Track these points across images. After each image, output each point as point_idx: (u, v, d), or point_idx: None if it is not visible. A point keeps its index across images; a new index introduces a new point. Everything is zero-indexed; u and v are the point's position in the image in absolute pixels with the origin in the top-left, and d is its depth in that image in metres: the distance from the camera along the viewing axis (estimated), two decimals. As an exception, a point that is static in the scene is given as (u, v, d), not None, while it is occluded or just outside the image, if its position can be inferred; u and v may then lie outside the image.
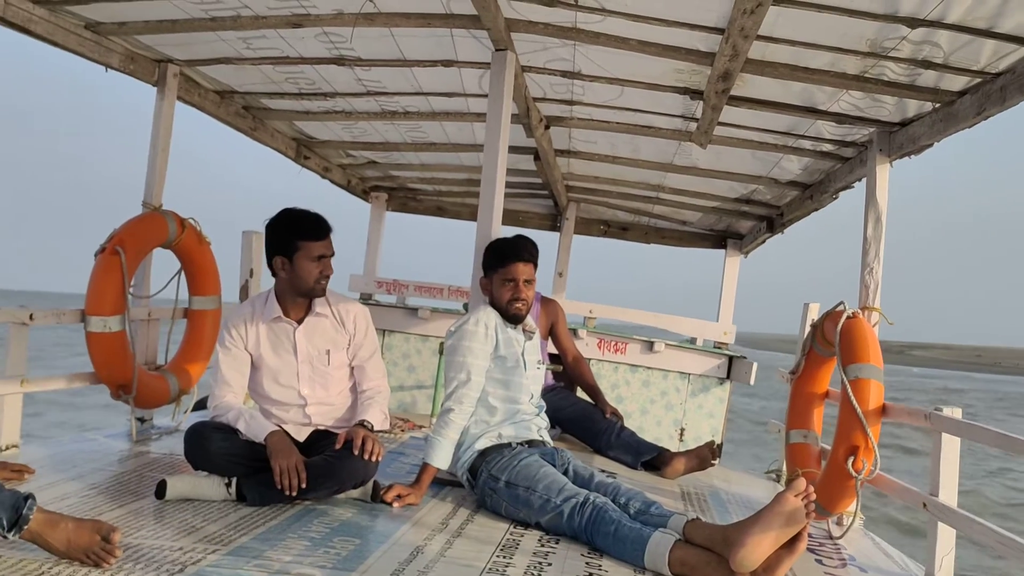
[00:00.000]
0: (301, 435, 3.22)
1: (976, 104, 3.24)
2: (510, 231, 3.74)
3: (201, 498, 2.93)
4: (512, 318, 3.43)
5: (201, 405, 4.66)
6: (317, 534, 2.65)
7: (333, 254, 3.23)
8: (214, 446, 2.97)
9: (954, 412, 3.22)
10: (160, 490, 2.89)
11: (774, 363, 4.89)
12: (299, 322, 3.24)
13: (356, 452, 2.98)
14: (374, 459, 3.01)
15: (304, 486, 2.88)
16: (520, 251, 3.46)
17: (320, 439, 3.20)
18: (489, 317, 3.38)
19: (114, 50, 4.00)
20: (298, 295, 3.22)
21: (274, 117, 5.15)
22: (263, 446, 2.96)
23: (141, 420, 4.17)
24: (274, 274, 3.21)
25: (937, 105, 3.53)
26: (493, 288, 3.46)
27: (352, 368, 3.35)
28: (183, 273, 4.36)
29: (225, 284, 4.50)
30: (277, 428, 3.05)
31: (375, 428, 3.18)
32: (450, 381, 3.33)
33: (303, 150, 5.81)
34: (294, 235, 3.14)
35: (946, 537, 3.15)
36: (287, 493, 2.87)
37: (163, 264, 4.29)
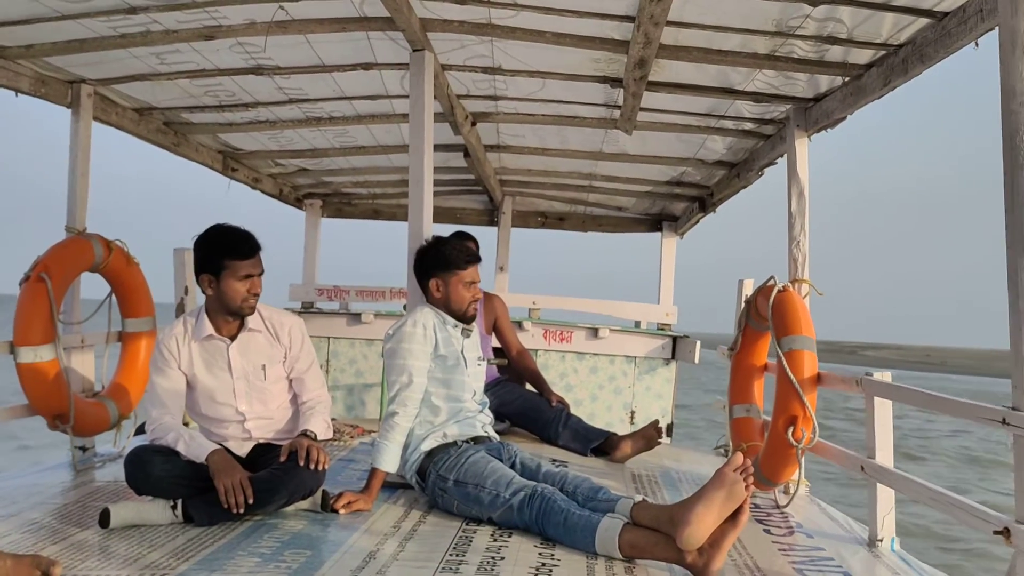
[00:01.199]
0: (243, 450, 3.20)
1: (882, 76, 3.34)
2: (445, 229, 3.76)
3: (147, 523, 2.88)
4: (468, 319, 3.46)
5: (143, 429, 4.58)
6: (268, 549, 2.64)
7: (262, 272, 3.18)
8: (156, 469, 2.93)
9: (884, 376, 3.32)
10: (103, 519, 2.84)
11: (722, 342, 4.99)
12: (232, 339, 3.21)
13: (301, 463, 2.97)
14: (320, 468, 3.00)
15: (251, 502, 2.86)
16: (476, 254, 3.52)
17: (264, 453, 3.18)
18: (427, 317, 3.39)
19: (23, 74, 3.90)
20: (228, 314, 3.18)
21: (197, 131, 5.08)
22: (206, 466, 2.93)
23: (82, 449, 4.08)
24: (204, 291, 3.18)
25: (847, 79, 3.63)
26: (449, 290, 3.45)
27: (291, 380, 3.33)
28: (114, 296, 4.28)
29: (164, 302, 4.43)
30: (217, 447, 3.02)
31: (318, 437, 3.17)
32: (392, 384, 3.33)
33: (230, 162, 5.73)
34: (220, 254, 3.10)
35: (885, 497, 3.25)
36: (234, 511, 2.84)
37: (93, 288, 4.21)
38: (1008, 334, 2.39)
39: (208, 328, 3.18)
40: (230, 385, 3.20)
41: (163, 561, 2.49)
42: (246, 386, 3.21)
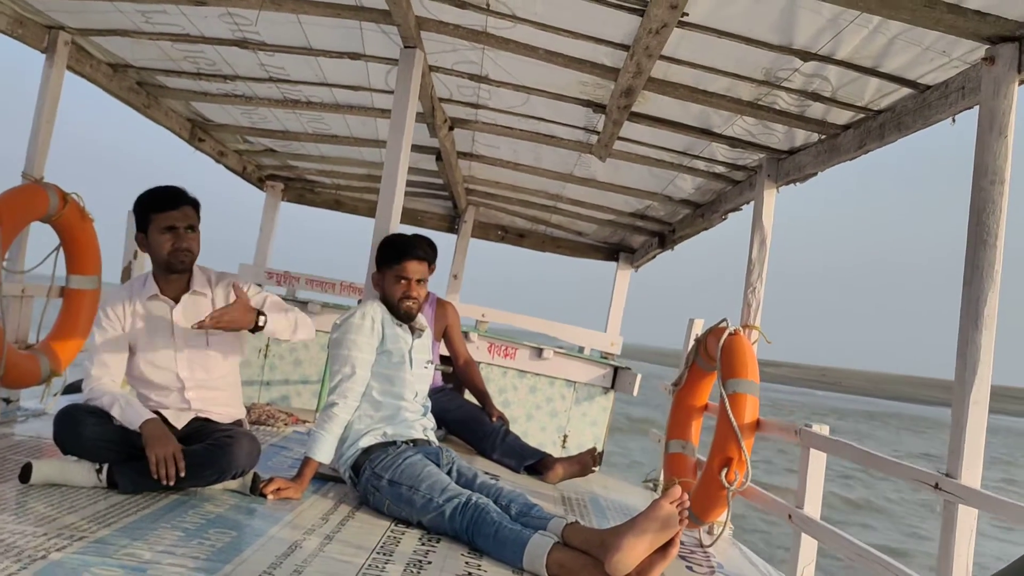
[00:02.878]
0: (180, 421, 3.12)
1: (858, 138, 3.43)
2: (408, 230, 3.74)
3: (69, 483, 2.80)
4: (402, 316, 3.42)
5: (72, 388, 4.45)
6: (191, 525, 2.57)
7: (191, 226, 3.08)
8: (87, 430, 2.84)
9: (822, 429, 3.39)
10: (25, 473, 2.74)
11: (658, 374, 5.06)
12: (176, 300, 3.15)
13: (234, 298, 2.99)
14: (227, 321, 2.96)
15: (182, 475, 2.80)
16: (415, 249, 3.44)
17: (201, 428, 3.11)
18: (376, 311, 3.36)
19: (2, 12, 3.80)
20: (165, 271, 3.11)
21: (169, 96, 4.99)
22: (139, 433, 2.85)
23: (7, 401, 3.95)
24: (141, 251, 3.14)
25: (823, 137, 3.72)
26: (385, 284, 3.43)
27: (235, 349, 3.27)
28: (62, 250, 4.16)
29: (110, 266, 4.32)
30: (153, 416, 2.94)
31: (267, 322, 3.12)
32: (334, 375, 3.29)
33: (198, 132, 5.64)
34: (146, 208, 3.07)
35: (808, 548, 3.31)
36: (163, 483, 2.77)
37: (42, 239, 4.09)
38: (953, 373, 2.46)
39: (153, 288, 3.12)
40: (172, 349, 3.13)
41: (82, 524, 2.41)
42: (188, 351, 3.14)
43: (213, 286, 3.21)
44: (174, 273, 3.12)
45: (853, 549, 2.90)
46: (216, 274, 3.25)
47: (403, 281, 3.39)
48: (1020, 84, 2.49)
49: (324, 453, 3.20)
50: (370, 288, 3.60)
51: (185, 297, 3.14)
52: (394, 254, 3.43)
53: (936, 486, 2.43)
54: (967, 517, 2.38)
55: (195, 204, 3.13)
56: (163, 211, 3.05)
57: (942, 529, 2.42)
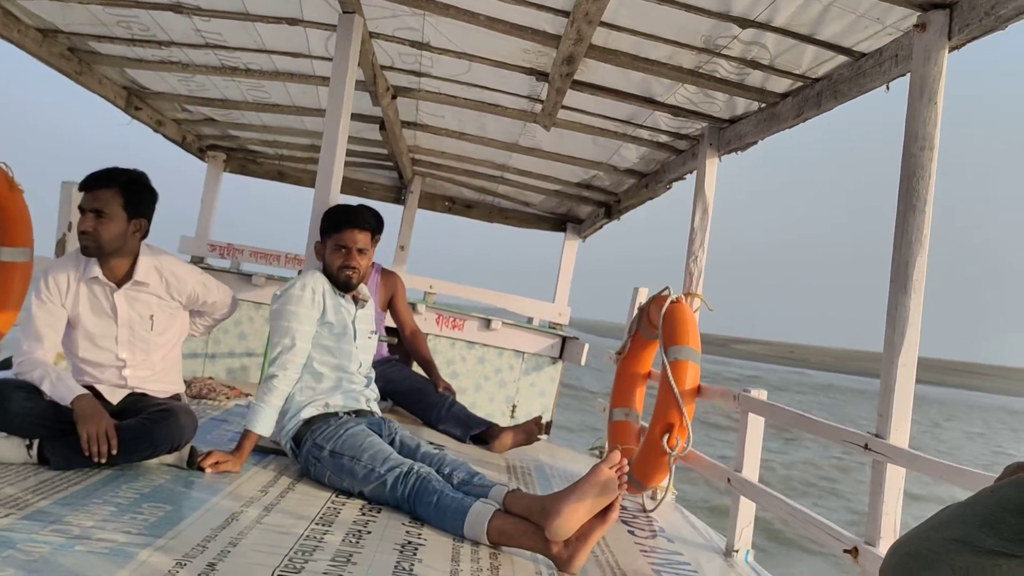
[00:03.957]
0: (115, 397, 3.06)
1: (796, 107, 3.46)
2: (352, 201, 3.70)
3: None
4: (342, 285, 3.38)
5: (6, 365, 4.33)
6: (125, 500, 2.53)
7: (96, 210, 2.98)
8: (15, 405, 2.77)
9: (760, 394, 3.44)
10: (-51, 451, 2.68)
11: (607, 347, 5.11)
12: (119, 284, 3.07)
13: None
14: None
15: (115, 452, 2.74)
16: (356, 218, 3.40)
17: (136, 402, 3.05)
18: (317, 282, 3.32)
19: (-82, -28, 3.64)
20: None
21: (103, 62, 4.83)
22: (70, 409, 2.79)
23: (-66, 378, 3.84)
24: None
25: (762, 105, 3.75)
26: (326, 253, 3.39)
27: (179, 326, 3.26)
28: (-10, 221, 4.04)
29: (44, 239, 4.20)
30: (85, 392, 2.87)
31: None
32: (274, 346, 3.25)
33: (134, 100, 5.48)
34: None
35: (746, 510, 3.37)
36: (96, 460, 2.72)
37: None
38: (883, 346, 2.51)
39: (95, 270, 3.04)
40: (113, 332, 3.07)
41: (10, 500, 2.35)
42: (130, 334, 3.09)
43: (162, 275, 3.14)
44: (84, 255, 3.04)
45: (786, 509, 2.97)
46: (168, 261, 3.18)
47: (343, 250, 3.35)
48: (950, 51, 2.53)
49: (264, 426, 3.16)
50: (312, 258, 3.55)
51: (128, 285, 3.08)
52: (336, 222, 3.38)
53: (866, 446, 2.49)
54: (895, 476, 2.44)
55: (121, 187, 3.02)
56: (80, 191, 3.01)
57: (871, 489, 2.48)
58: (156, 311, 3.12)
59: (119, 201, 3.00)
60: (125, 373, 3.10)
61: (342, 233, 3.36)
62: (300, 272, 3.51)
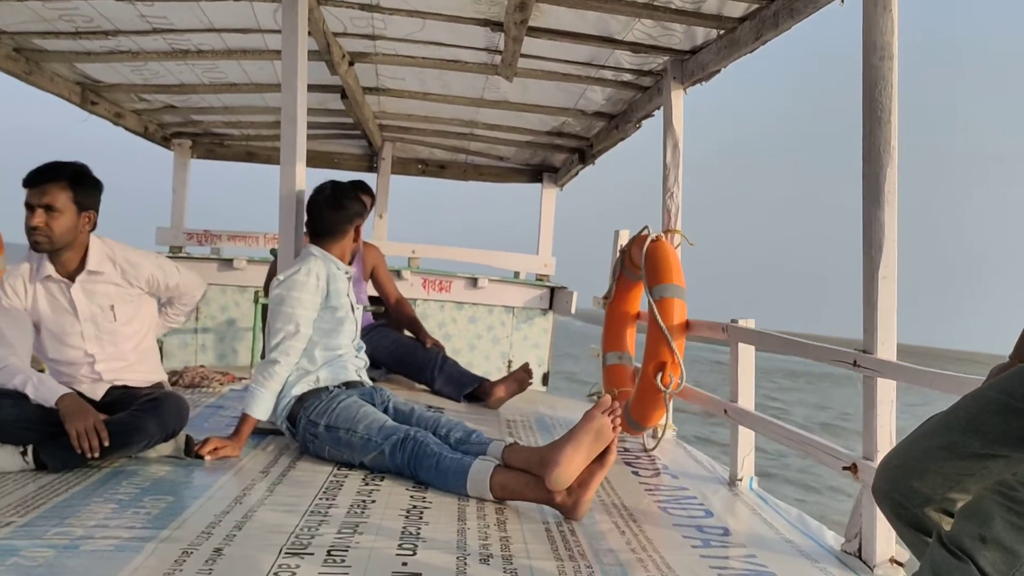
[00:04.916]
0: (96, 393, 3.04)
1: (754, 30, 3.42)
2: (322, 174, 3.67)
3: None
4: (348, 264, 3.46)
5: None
6: (125, 496, 2.53)
7: (47, 206, 2.92)
8: (4, 413, 2.74)
9: (748, 323, 3.45)
10: (-57, 467, 2.67)
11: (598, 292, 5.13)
12: (72, 278, 3.04)
13: None
14: None
15: (106, 444, 2.73)
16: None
17: (122, 396, 3.04)
18: (320, 267, 3.28)
19: None
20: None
21: (51, 60, 4.73)
22: (57, 410, 2.77)
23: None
24: None
25: (721, 32, 3.70)
26: (357, 235, 3.43)
27: (146, 313, 3.23)
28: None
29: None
30: (69, 391, 2.86)
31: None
32: (276, 332, 3.21)
33: (89, 95, 5.38)
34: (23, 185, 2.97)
35: (746, 439, 3.40)
36: (88, 456, 2.71)
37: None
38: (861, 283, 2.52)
39: (48, 269, 3.01)
40: (77, 327, 3.04)
41: (10, 509, 2.35)
42: (94, 328, 3.06)
43: (116, 263, 3.09)
44: (36, 252, 3.00)
45: (783, 433, 2.99)
46: (120, 248, 3.13)
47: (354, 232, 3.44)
48: (901, -44, 2.49)
49: (262, 410, 3.16)
50: (289, 237, 3.54)
51: (82, 276, 3.04)
52: (362, 209, 3.46)
53: (855, 363, 2.50)
54: (887, 389, 2.46)
55: (69, 181, 2.96)
56: (26, 187, 2.94)
57: (864, 405, 2.50)
58: (116, 301, 3.08)
59: (68, 195, 2.95)
60: (98, 368, 3.08)
61: (363, 219, 3.46)
62: (273, 251, 3.49)
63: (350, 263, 3.46)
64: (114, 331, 3.09)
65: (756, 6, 3.38)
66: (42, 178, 2.93)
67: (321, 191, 3.40)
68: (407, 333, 5.23)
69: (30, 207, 2.92)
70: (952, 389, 2.05)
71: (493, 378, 4.87)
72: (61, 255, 3.01)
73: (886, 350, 2.45)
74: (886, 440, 2.45)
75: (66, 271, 3.03)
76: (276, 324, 3.23)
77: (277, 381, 3.19)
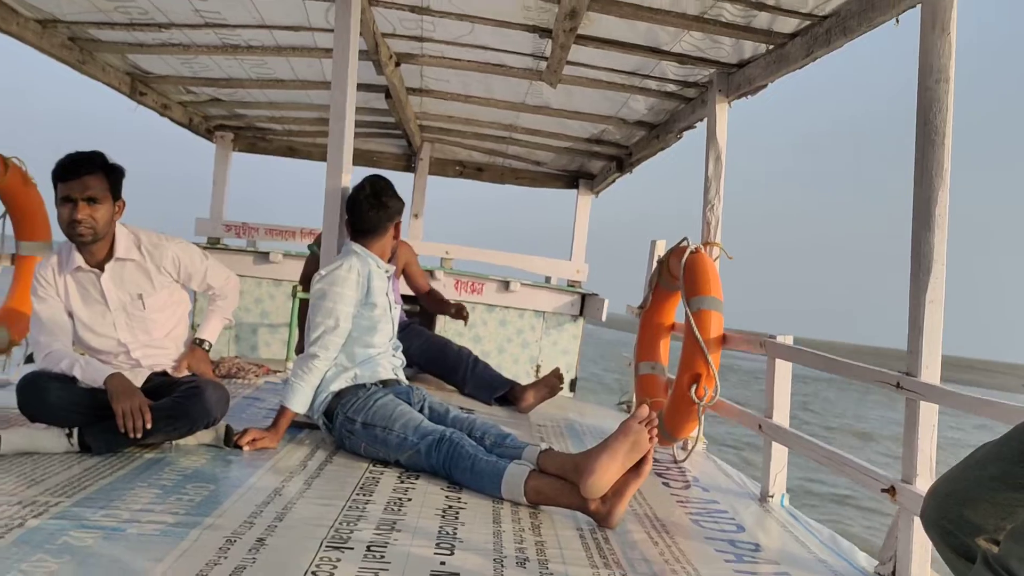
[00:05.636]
0: (138, 379, 3.08)
1: (805, 46, 3.41)
2: (360, 172, 3.70)
3: (40, 451, 2.78)
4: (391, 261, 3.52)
5: (31, 360, 4.40)
6: (169, 482, 2.58)
7: (90, 198, 2.91)
8: (52, 396, 2.81)
9: (786, 339, 3.44)
10: (-7, 446, 2.72)
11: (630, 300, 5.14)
12: (101, 268, 3.05)
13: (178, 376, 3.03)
14: (211, 402, 2.95)
15: (149, 427, 2.77)
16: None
17: (163, 382, 3.08)
18: (361, 264, 3.32)
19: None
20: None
21: (105, 49, 4.82)
22: (104, 392, 2.83)
23: (-33, 374, 3.91)
24: None
25: (771, 47, 3.70)
26: (397, 233, 3.49)
27: (178, 303, 3.25)
28: (7, 217, 4.06)
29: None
30: (117, 371, 2.91)
31: (212, 339, 3.33)
32: (316, 326, 3.25)
33: (139, 86, 5.47)
34: (53, 177, 2.93)
35: (779, 455, 3.39)
36: (131, 435, 2.76)
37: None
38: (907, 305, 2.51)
39: (77, 259, 3.02)
40: (108, 317, 3.07)
41: (57, 490, 2.40)
42: (125, 317, 3.09)
43: (141, 248, 3.10)
44: (80, 245, 3.00)
45: (821, 452, 2.98)
46: (145, 234, 3.14)
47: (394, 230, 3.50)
48: (961, -21, 2.48)
49: (300, 404, 3.20)
50: (332, 232, 3.58)
51: (110, 265, 3.05)
52: (400, 208, 3.50)
53: (898, 385, 2.49)
54: (928, 413, 2.45)
55: (105, 171, 2.97)
56: (63, 180, 2.91)
57: (905, 426, 2.49)
58: (144, 289, 3.10)
59: (105, 184, 2.96)
60: (135, 355, 3.11)
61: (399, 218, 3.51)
62: (310, 246, 3.53)
63: (389, 261, 3.49)
64: (144, 319, 3.11)
65: (808, 23, 3.37)
66: (81, 170, 2.91)
67: (361, 189, 3.43)
68: (438, 332, 5.26)
69: (71, 200, 2.89)
70: (998, 417, 2.04)
71: (521, 382, 4.88)
72: (92, 246, 3.01)
73: (930, 374, 2.45)
74: (926, 464, 2.45)
75: (95, 261, 3.05)
76: (317, 318, 3.26)
77: (316, 375, 3.22)
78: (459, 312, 4.93)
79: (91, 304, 3.06)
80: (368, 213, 3.39)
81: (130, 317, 3.10)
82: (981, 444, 1.64)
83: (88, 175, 2.91)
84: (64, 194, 2.90)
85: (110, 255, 3.05)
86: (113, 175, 3.00)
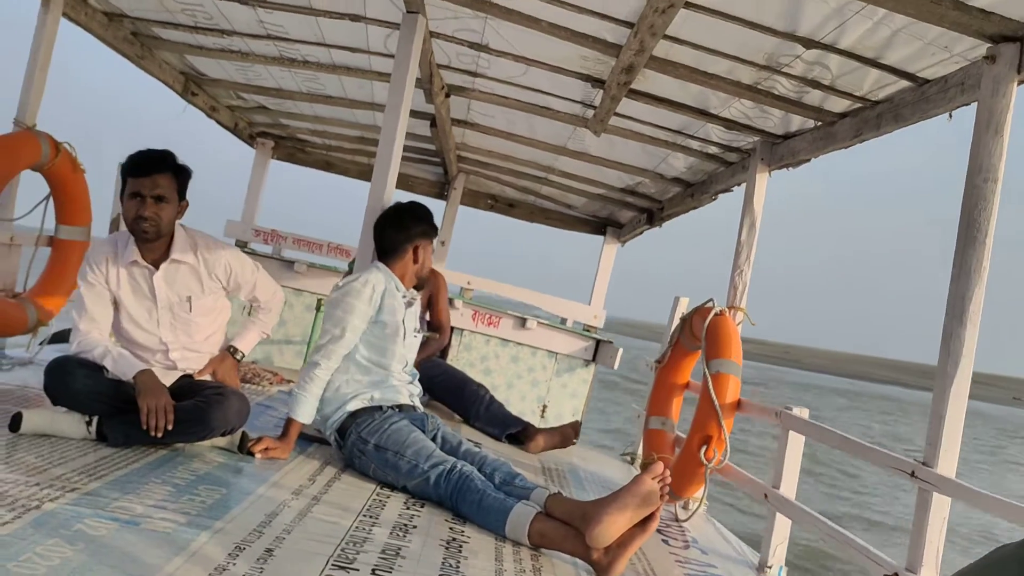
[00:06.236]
0: (167, 380, 3.12)
1: (854, 127, 3.46)
2: (398, 195, 3.76)
3: (58, 435, 2.82)
4: (420, 287, 3.59)
5: (58, 338, 4.45)
6: (181, 481, 2.61)
7: (159, 196, 3.01)
8: (79, 382, 2.85)
9: (802, 412, 3.45)
10: (14, 423, 2.76)
11: (638, 348, 5.15)
12: (156, 266, 3.12)
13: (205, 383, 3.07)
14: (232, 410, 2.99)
15: (171, 428, 2.81)
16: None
17: (189, 385, 3.13)
18: (379, 281, 3.37)
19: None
20: (136, 237, 3.08)
21: (164, 48, 4.93)
22: (130, 386, 2.86)
23: (-8, 349, 3.95)
24: None
25: (819, 124, 3.75)
26: (424, 257, 3.53)
27: (221, 311, 3.32)
28: (51, 199, 4.13)
29: (99, 218, 4.29)
30: (147, 367, 2.96)
31: (246, 349, 3.40)
32: (324, 333, 3.31)
33: (191, 86, 5.58)
34: (124, 171, 3.04)
35: (782, 527, 3.38)
36: (153, 434, 2.79)
37: (32, 188, 4.05)
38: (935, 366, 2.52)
39: (134, 253, 3.09)
40: (155, 314, 3.13)
41: (73, 476, 2.43)
42: (171, 316, 3.15)
43: (197, 252, 3.17)
44: (142, 241, 3.07)
45: (825, 530, 2.98)
46: (203, 238, 3.21)
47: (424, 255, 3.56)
48: (1019, 84, 2.53)
49: (306, 414, 3.24)
50: (366, 250, 3.63)
51: (165, 264, 3.12)
52: (435, 230, 3.59)
53: (912, 474, 2.50)
54: (941, 505, 2.45)
55: (174, 172, 3.06)
56: (133, 176, 3.00)
57: (915, 515, 2.49)
58: (193, 292, 3.17)
59: (174, 185, 3.06)
60: (172, 356, 3.17)
61: (432, 239, 3.57)
62: (350, 265, 3.57)
63: (415, 287, 3.53)
64: (188, 321, 3.18)
65: (860, 105, 3.42)
66: (153, 168, 3.00)
67: (389, 209, 3.53)
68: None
69: (140, 196, 2.98)
70: (1015, 517, 2.05)
71: (526, 420, 4.89)
72: (151, 242, 3.08)
73: (947, 466, 2.45)
74: (932, 555, 2.44)
75: (152, 257, 3.11)
76: (326, 325, 3.33)
77: (319, 385, 3.26)
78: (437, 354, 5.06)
79: (140, 299, 3.11)
80: (387, 233, 3.48)
81: (175, 317, 3.15)
82: (1000, 545, 1.64)
83: (158, 174, 3.00)
84: (134, 190, 2.99)
85: (166, 254, 3.12)
86: (181, 176, 3.08)
